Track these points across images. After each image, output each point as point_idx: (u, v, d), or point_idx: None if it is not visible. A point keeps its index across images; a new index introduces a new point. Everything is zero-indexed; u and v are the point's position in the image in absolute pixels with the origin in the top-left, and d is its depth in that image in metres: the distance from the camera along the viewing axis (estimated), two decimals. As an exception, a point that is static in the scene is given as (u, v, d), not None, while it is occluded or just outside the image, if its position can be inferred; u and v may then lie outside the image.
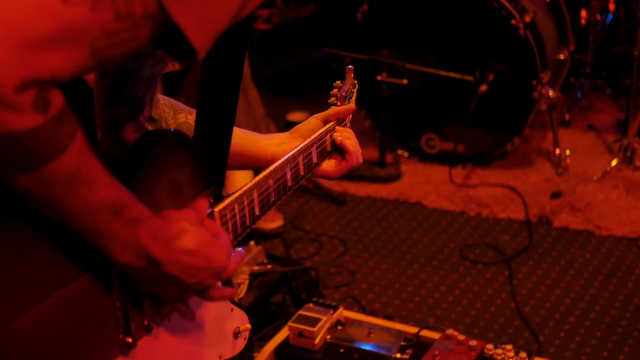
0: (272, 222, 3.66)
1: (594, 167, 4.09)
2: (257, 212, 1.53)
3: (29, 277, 1.14)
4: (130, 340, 1.30)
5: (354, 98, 1.93)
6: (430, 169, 4.21)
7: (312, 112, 4.95)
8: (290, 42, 5.46)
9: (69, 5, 1.03)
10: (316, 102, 5.15)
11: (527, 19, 3.94)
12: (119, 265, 1.23)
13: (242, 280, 2.94)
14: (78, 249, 1.19)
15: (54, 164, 1.08)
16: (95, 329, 1.24)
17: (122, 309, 1.29)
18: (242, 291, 2.92)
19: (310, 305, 2.77)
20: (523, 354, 2.53)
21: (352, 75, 1.93)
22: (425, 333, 2.67)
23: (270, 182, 1.56)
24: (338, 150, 1.80)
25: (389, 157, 4.23)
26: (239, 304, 1.53)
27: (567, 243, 3.58)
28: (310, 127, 1.77)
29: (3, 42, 1.00)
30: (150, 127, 1.55)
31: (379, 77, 4.02)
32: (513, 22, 3.89)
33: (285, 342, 2.70)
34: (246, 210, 1.49)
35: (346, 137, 1.79)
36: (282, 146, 1.72)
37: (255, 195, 1.51)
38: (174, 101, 1.65)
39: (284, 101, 4.87)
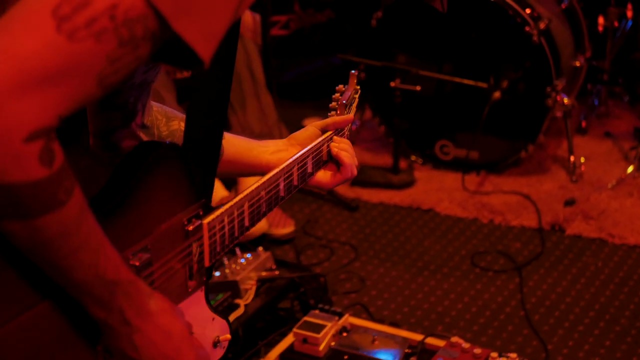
0: (284, 227, 3.67)
1: (609, 174, 4.06)
2: (246, 223, 1.53)
3: None
4: (104, 352, 1.30)
5: (354, 105, 1.91)
6: (444, 175, 4.20)
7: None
8: (308, 47, 5.47)
9: (75, 42, 1.02)
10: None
11: (542, 25, 3.92)
12: (93, 318, 1.21)
13: (250, 285, 2.95)
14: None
15: (47, 218, 1.06)
16: (69, 345, 1.23)
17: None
18: (249, 297, 2.92)
19: (316, 311, 2.77)
20: (527, 363, 2.53)
21: (355, 80, 1.92)
22: (430, 340, 2.66)
23: (263, 193, 1.56)
24: (334, 160, 1.79)
25: (402, 164, 4.23)
26: (221, 313, 1.53)
27: (579, 251, 3.56)
28: (307, 135, 1.76)
29: (15, 87, 0.98)
30: (142, 134, 1.56)
31: (392, 84, 4.02)
32: (527, 29, 3.87)
33: (290, 349, 2.70)
34: (235, 221, 1.49)
35: (342, 148, 1.78)
36: (277, 154, 1.71)
37: (246, 206, 1.51)
38: (167, 108, 1.65)
39: (301, 106, 4.88)
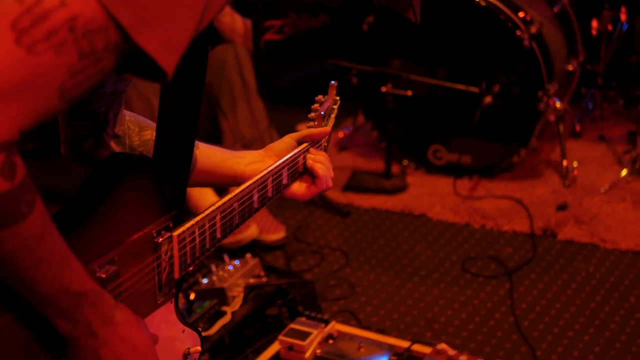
0: (274, 233, 3.66)
1: (602, 179, 4.05)
2: (218, 235, 1.51)
3: None
4: None
5: (333, 116, 1.89)
6: (436, 180, 4.19)
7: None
8: (303, 52, 5.46)
9: (35, 55, 1.02)
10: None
11: (533, 30, 3.91)
12: (58, 332, 1.20)
13: (237, 293, 2.94)
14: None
15: (8, 231, 1.06)
16: (38, 354, 1.23)
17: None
18: (236, 304, 2.91)
19: (302, 318, 2.77)
20: (513, 370, 2.51)
21: (335, 91, 1.91)
22: (417, 347, 2.66)
23: (236, 205, 1.54)
24: (309, 172, 1.76)
25: (395, 169, 4.22)
26: (191, 325, 1.52)
27: (570, 256, 3.55)
28: (284, 147, 1.74)
29: None
30: (113, 144, 1.55)
31: (383, 89, 4.01)
32: (518, 33, 3.86)
33: (276, 356, 2.69)
34: (207, 233, 1.47)
35: (317, 160, 1.75)
36: (252, 165, 1.70)
37: (218, 218, 1.49)
38: (140, 118, 1.64)
39: (295, 112, 4.87)
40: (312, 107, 1.84)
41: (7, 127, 1.01)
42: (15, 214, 1.05)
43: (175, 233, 1.40)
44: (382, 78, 4.07)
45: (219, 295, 2.90)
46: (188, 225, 1.43)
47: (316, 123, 1.81)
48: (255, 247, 3.58)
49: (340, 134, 4.63)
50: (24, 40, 1.01)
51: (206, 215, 1.47)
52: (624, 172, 4.01)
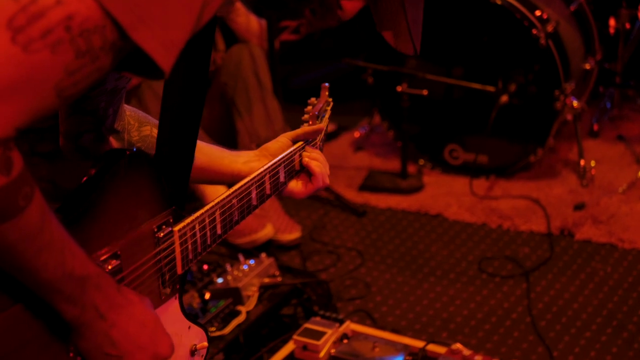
0: (290, 233, 3.65)
1: (620, 178, 4.01)
2: (219, 231, 1.53)
3: None
4: (80, 359, 1.29)
5: (326, 117, 1.93)
6: (453, 180, 4.17)
7: (339, 123, 4.95)
8: (319, 53, 5.46)
9: (30, 53, 1.02)
10: (342, 112, 5.15)
11: (549, 28, 3.89)
12: (65, 318, 1.21)
13: (252, 292, 2.93)
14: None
15: (7, 225, 1.07)
16: (44, 349, 1.23)
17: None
18: (251, 303, 2.91)
19: (317, 318, 2.76)
20: (529, 370, 2.49)
21: (327, 93, 1.93)
22: (431, 347, 2.64)
23: (234, 201, 1.56)
24: (306, 170, 1.79)
25: (411, 168, 4.20)
26: (196, 321, 1.52)
27: (588, 256, 3.52)
28: (279, 146, 1.76)
29: None
30: (112, 139, 1.55)
31: (398, 88, 4.00)
32: (534, 32, 3.84)
33: (291, 356, 2.69)
34: (207, 229, 1.49)
35: (313, 158, 1.78)
36: (248, 164, 1.72)
37: (217, 214, 1.51)
38: (141, 113, 1.65)
39: (310, 112, 4.86)
40: (306, 109, 1.88)
41: (2, 124, 1.01)
42: (13, 208, 1.06)
43: (176, 228, 1.42)
44: (397, 77, 4.06)
45: (234, 295, 2.89)
46: (188, 220, 1.45)
47: (310, 123, 1.85)
48: (271, 247, 3.58)
49: (356, 134, 4.61)
50: (20, 39, 1.01)
51: (206, 211, 1.49)
52: (642, 172, 3.98)
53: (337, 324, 2.71)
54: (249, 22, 4.03)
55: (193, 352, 1.49)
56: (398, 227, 3.84)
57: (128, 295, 1.27)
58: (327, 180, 1.79)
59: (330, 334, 2.67)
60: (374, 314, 3.18)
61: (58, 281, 1.15)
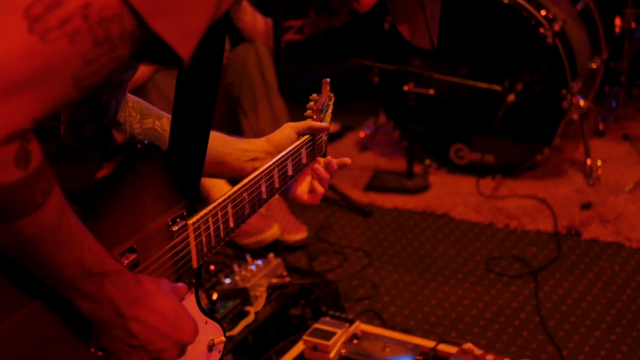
0: (297, 234, 3.64)
1: (626, 177, 4.00)
2: (231, 224, 1.53)
3: None
4: (102, 354, 1.28)
5: (329, 112, 1.94)
6: (459, 180, 4.16)
7: (343, 123, 4.92)
8: (323, 52, 5.45)
9: (48, 43, 1.00)
10: (348, 112, 5.14)
11: (557, 27, 3.87)
12: (84, 314, 1.21)
13: (260, 293, 2.92)
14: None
15: (24, 221, 1.05)
16: (66, 345, 1.23)
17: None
18: (259, 304, 2.90)
19: (327, 318, 2.75)
20: (541, 370, 2.48)
21: (328, 88, 1.93)
22: (442, 347, 2.63)
23: (245, 194, 1.57)
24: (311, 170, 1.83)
25: (417, 168, 4.19)
26: (213, 317, 1.51)
27: (595, 255, 3.51)
28: (284, 135, 1.77)
29: None
30: (113, 130, 1.55)
31: (405, 87, 3.99)
32: (542, 30, 3.83)
33: (300, 356, 2.68)
34: (220, 222, 1.49)
35: (322, 178, 1.81)
36: (254, 162, 1.73)
37: (229, 207, 1.52)
38: (144, 104, 1.64)
39: (315, 112, 4.84)
40: (308, 105, 1.88)
41: (21, 116, 1.00)
42: (30, 204, 1.05)
43: (190, 221, 1.42)
44: (403, 77, 4.05)
45: (242, 295, 2.88)
46: (202, 213, 1.45)
47: (314, 117, 1.85)
48: (277, 247, 3.56)
49: (362, 134, 4.60)
50: (37, 28, 1.00)
51: (218, 204, 1.49)
52: (649, 171, 3.97)
53: (347, 324, 2.70)
54: (255, 21, 4.02)
55: (211, 348, 1.49)
56: (405, 227, 3.83)
57: (147, 286, 1.27)
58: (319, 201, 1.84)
59: (340, 334, 2.66)
60: (382, 314, 3.17)
61: (76, 278, 1.15)
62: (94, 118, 1.44)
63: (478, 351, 2.55)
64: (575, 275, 3.38)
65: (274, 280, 3.00)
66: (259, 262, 3.04)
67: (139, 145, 1.31)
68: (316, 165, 1.82)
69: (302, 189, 1.80)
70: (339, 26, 5.43)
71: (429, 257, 3.58)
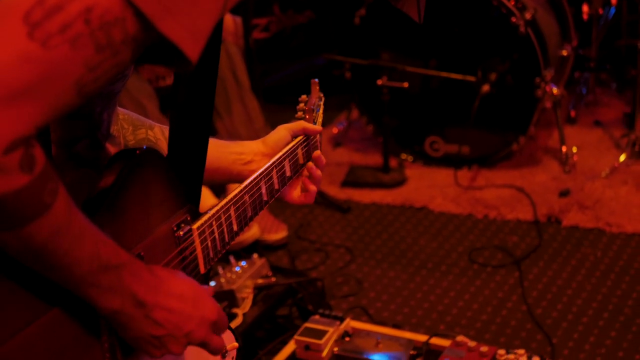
0: (277, 233, 3.60)
1: (601, 163, 4.02)
2: (235, 227, 1.52)
3: (3, 308, 1.09)
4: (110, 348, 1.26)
5: (321, 112, 1.92)
6: (435, 172, 4.15)
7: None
8: (290, 49, 5.41)
9: (49, 49, 0.97)
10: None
11: (528, 16, 3.88)
12: (103, 312, 1.19)
13: (246, 294, 2.88)
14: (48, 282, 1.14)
15: (36, 224, 1.03)
16: (81, 357, 1.20)
17: (107, 333, 1.24)
18: (247, 305, 2.86)
19: (317, 317, 2.72)
20: (536, 358, 2.47)
21: (318, 88, 1.92)
22: (435, 341, 2.62)
23: (246, 197, 1.55)
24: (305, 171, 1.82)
25: (392, 162, 4.17)
26: None
27: (577, 242, 3.52)
28: (279, 137, 1.76)
29: None
30: (108, 144, 1.51)
31: (379, 82, 3.97)
32: (513, 20, 3.82)
33: (292, 357, 2.64)
34: (224, 226, 1.47)
35: (316, 179, 1.81)
36: (250, 165, 1.71)
37: (232, 210, 1.50)
38: (134, 116, 1.61)
39: (285, 110, 4.78)
40: (298, 107, 1.87)
41: (23, 123, 0.97)
42: (40, 205, 1.03)
43: (195, 226, 1.40)
44: (375, 71, 4.03)
45: (229, 298, 2.84)
46: (206, 217, 1.43)
47: (307, 117, 1.85)
48: (258, 247, 3.53)
49: (335, 130, 4.57)
50: (38, 34, 0.97)
51: (221, 208, 1.48)
52: (623, 157, 3.98)
53: (337, 322, 2.67)
54: (224, 19, 3.97)
55: (224, 354, 1.46)
56: (384, 222, 3.81)
57: (159, 273, 1.25)
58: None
59: (332, 332, 2.63)
60: (369, 310, 3.15)
61: (94, 274, 1.13)
62: (87, 133, 1.40)
63: (472, 343, 2.53)
64: (558, 263, 3.38)
65: (260, 281, 2.97)
66: (243, 263, 3.00)
67: (137, 151, 1.28)
68: (309, 164, 1.81)
69: (295, 191, 1.80)
70: (305, 23, 5.42)
71: (410, 251, 3.56)
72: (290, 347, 2.67)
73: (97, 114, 1.43)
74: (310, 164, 1.81)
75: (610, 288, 3.20)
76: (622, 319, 3.01)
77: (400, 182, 4.07)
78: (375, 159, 4.22)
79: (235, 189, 1.54)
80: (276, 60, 5.29)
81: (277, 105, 4.74)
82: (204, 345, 1.32)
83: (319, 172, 1.82)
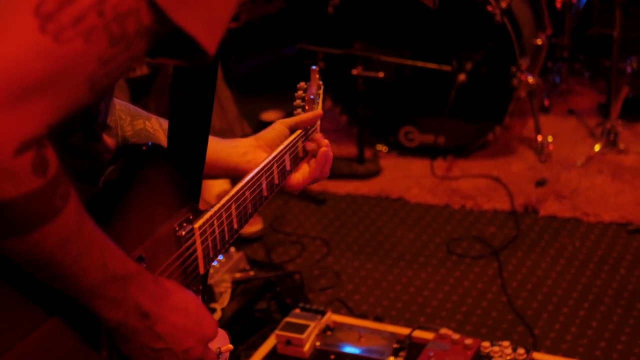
0: (251, 225, 3.55)
1: (576, 152, 4.01)
2: (235, 225, 1.46)
3: (2, 317, 1.03)
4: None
5: (320, 101, 1.85)
6: (410, 162, 4.11)
7: (286, 111, 4.85)
8: (260, 39, 5.35)
9: (63, 43, 0.91)
10: (290, 100, 5.01)
11: (504, 4, 3.84)
12: (107, 324, 1.14)
13: (224, 288, 2.83)
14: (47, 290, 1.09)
15: (46, 229, 0.97)
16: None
17: (107, 347, 1.19)
18: (225, 300, 2.80)
19: (297, 311, 2.67)
20: (521, 350, 2.45)
21: (318, 76, 1.84)
22: (417, 334, 2.58)
23: (247, 193, 1.50)
24: (306, 159, 1.74)
25: (367, 153, 4.13)
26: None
27: (555, 232, 3.50)
28: (275, 134, 1.69)
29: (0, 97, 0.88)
30: (105, 135, 1.45)
31: (354, 71, 3.92)
32: (489, 8, 3.79)
33: (273, 352, 2.59)
34: (225, 224, 1.42)
35: (324, 146, 1.72)
36: (245, 156, 1.64)
37: (233, 208, 1.44)
38: (131, 106, 1.55)
39: (257, 100, 4.76)
40: (296, 94, 1.79)
41: (35, 123, 0.92)
42: (51, 210, 0.97)
43: (197, 225, 1.34)
44: (349, 61, 3.98)
45: (207, 293, 2.78)
46: (207, 216, 1.37)
47: (307, 107, 1.77)
48: (234, 240, 3.46)
49: (307, 121, 4.51)
50: (50, 27, 0.91)
51: (222, 206, 1.42)
52: (598, 146, 3.97)
53: (319, 316, 2.63)
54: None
55: (218, 356, 1.40)
56: (360, 213, 3.76)
57: (165, 285, 1.20)
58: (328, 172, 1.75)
59: (314, 326, 2.58)
60: (348, 302, 3.11)
61: (100, 285, 1.08)
62: (84, 125, 1.34)
63: (455, 335, 2.50)
64: (537, 253, 3.36)
65: (238, 275, 2.91)
66: (220, 257, 2.94)
67: (144, 147, 1.22)
68: (323, 149, 1.71)
69: (297, 177, 1.71)
70: (275, 12, 5.35)
71: (388, 243, 3.52)
72: (271, 342, 2.62)
73: (94, 105, 1.38)
74: (324, 149, 1.71)
75: (590, 278, 3.18)
76: (603, 308, 3.00)
77: (376, 173, 4.03)
78: (349, 149, 4.18)
79: (236, 186, 1.49)
80: (246, 50, 5.23)
81: (249, 96, 4.69)
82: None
83: (331, 154, 1.75)
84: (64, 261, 1.02)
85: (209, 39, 1.02)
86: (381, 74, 3.87)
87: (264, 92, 4.98)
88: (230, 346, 1.43)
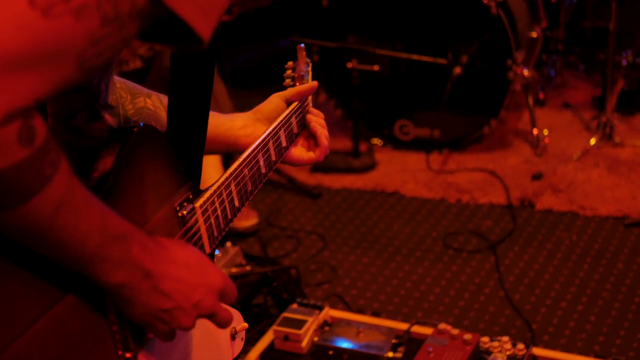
0: (247, 220, 3.52)
1: (572, 145, 4.00)
2: (236, 203, 1.45)
3: (11, 302, 1.02)
4: (130, 355, 1.19)
5: (310, 77, 1.84)
6: (405, 156, 4.09)
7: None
8: (253, 32, 5.32)
9: (51, 19, 0.90)
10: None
11: (499, -3, 3.83)
12: (111, 289, 1.12)
13: (221, 283, 2.80)
14: (54, 269, 1.07)
15: (38, 198, 0.96)
16: (92, 349, 1.14)
17: (117, 324, 1.18)
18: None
19: (295, 306, 2.65)
20: (520, 345, 2.43)
21: (305, 54, 1.84)
22: (416, 329, 2.57)
23: (246, 170, 1.49)
24: (306, 134, 1.75)
25: (362, 147, 4.11)
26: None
27: (551, 225, 3.48)
28: (273, 107, 1.68)
29: None
30: (106, 115, 1.43)
31: (349, 65, 3.90)
32: (485, 1, 3.77)
33: (271, 347, 2.57)
34: (226, 202, 1.41)
35: (321, 125, 1.74)
36: (245, 129, 1.64)
37: (232, 186, 1.43)
38: (131, 84, 1.54)
39: (251, 94, 4.71)
40: (285, 74, 1.80)
41: (21, 94, 0.91)
42: (41, 179, 0.96)
43: (198, 204, 1.34)
44: (344, 54, 3.95)
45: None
46: (207, 195, 1.37)
47: (298, 84, 1.77)
48: (229, 234, 3.44)
49: (301, 114, 4.49)
50: (39, 2, 0.90)
51: (222, 184, 1.42)
52: (594, 139, 3.95)
53: (316, 311, 2.61)
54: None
55: (234, 336, 1.40)
56: (355, 207, 3.74)
57: (163, 243, 1.18)
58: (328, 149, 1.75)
59: (311, 321, 2.56)
60: (345, 297, 3.09)
61: (103, 246, 1.06)
62: (86, 105, 1.32)
63: (454, 330, 2.48)
64: (533, 247, 3.35)
65: (234, 270, 2.89)
66: (217, 252, 2.91)
67: (135, 129, 1.21)
68: (316, 119, 1.73)
69: (298, 151, 1.71)
70: (268, 5, 5.32)
71: (384, 237, 3.50)
72: (268, 338, 2.60)
73: (95, 85, 1.37)
74: (317, 119, 1.74)
75: (588, 272, 3.17)
76: (601, 303, 2.99)
77: (371, 167, 4.01)
78: (344, 143, 4.16)
79: (234, 164, 1.48)
80: (240, 43, 5.20)
81: (241, 90, 4.65)
82: (212, 316, 1.24)
83: (322, 127, 1.75)
84: (66, 228, 1.01)
85: (203, 25, 1.00)
86: (376, 67, 3.85)
87: (259, 85, 4.95)
88: (245, 324, 1.43)
